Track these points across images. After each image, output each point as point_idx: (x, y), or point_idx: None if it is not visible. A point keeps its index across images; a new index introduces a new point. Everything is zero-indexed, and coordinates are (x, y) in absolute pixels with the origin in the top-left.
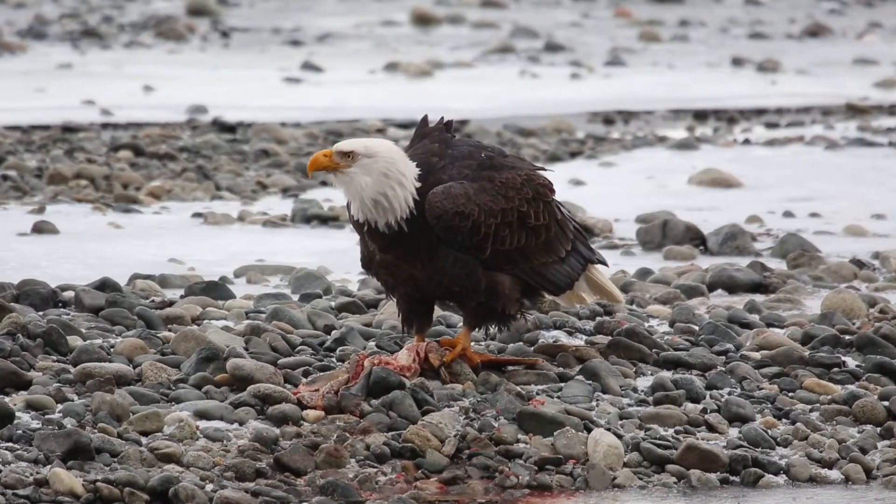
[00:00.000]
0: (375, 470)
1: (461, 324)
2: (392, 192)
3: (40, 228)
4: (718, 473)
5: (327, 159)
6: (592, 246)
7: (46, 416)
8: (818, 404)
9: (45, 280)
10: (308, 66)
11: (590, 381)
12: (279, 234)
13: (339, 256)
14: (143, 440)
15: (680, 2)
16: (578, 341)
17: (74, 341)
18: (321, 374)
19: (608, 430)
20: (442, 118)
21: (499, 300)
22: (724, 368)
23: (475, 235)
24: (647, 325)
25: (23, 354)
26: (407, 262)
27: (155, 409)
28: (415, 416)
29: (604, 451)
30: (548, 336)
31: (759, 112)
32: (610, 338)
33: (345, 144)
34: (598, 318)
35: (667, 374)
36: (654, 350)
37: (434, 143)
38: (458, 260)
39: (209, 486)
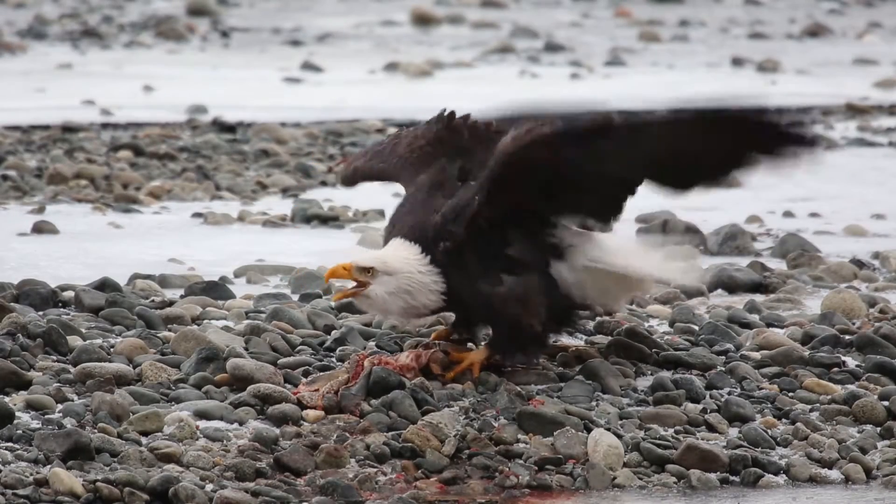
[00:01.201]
0: (375, 470)
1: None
2: (416, 300)
3: (40, 228)
4: (718, 473)
5: (346, 273)
6: None
7: (46, 416)
8: (818, 404)
9: (45, 280)
10: (308, 66)
11: (590, 381)
12: (279, 234)
13: (339, 256)
14: (143, 440)
15: (680, 2)
16: (578, 341)
17: (74, 341)
18: (321, 374)
19: (608, 430)
20: (443, 111)
21: (523, 319)
22: (724, 368)
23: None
24: (647, 325)
25: (23, 354)
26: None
27: (155, 409)
28: (415, 416)
29: (604, 451)
30: None
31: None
32: (610, 338)
33: (363, 260)
34: (598, 318)
35: (667, 374)
36: (654, 350)
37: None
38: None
39: (209, 486)
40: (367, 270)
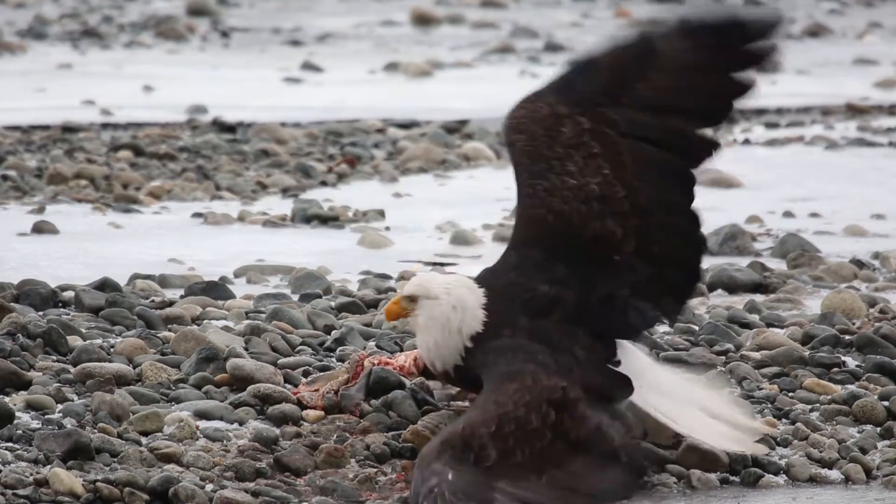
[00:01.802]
0: (375, 470)
1: None
2: (443, 339)
3: (40, 228)
4: (718, 473)
5: (397, 307)
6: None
7: (46, 416)
8: (818, 404)
9: (45, 280)
10: (308, 66)
11: None
12: (279, 234)
13: (339, 256)
14: (143, 440)
15: (680, 2)
16: None
17: (74, 341)
18: (321, 374)
19: None
20: None
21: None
22: (724, 368)
23: None
24: None
25: (23, 354)
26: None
27: (155, 409)
28: (415, 416)
29: None
30: None
31: (759, 112)
32: None
33: (407, 288)
34: None
35: None
36: (654, 350)
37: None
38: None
39: (209, 486)
40: (412, 299)
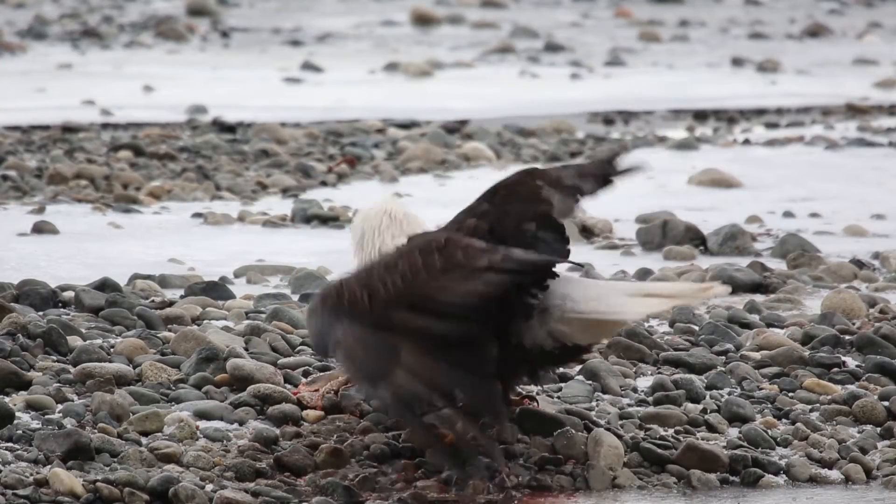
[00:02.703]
0: (375, 470)
1: None
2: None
3: (40, 228)
4: (718, 473)
5: None
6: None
7: (46, 416)
8: (818, 404)
9: (45, 280)
10: (308, 67)
11: (590, 381)
12: (279, 234)
13: (339, 256)
14: (143, 440)
15: (680, 2)
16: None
17: (74, 341)
18: (321, 374)
19: (608, 430)
20: None
21: None
22: (724, 368)
23: None
24: (647, 325)
25: (23, 354)
26: None
27: (155, 409)
28: None
29: (604, 451)
30: None
31: (759, 112)
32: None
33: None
34: None
35: (667, 374)
36: (654, 350)
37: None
38: None
39: (209, 487)
40: None
